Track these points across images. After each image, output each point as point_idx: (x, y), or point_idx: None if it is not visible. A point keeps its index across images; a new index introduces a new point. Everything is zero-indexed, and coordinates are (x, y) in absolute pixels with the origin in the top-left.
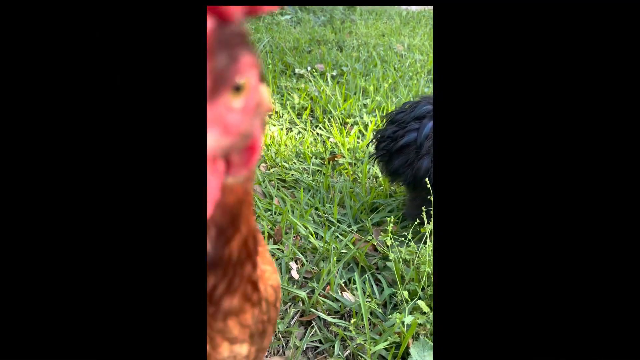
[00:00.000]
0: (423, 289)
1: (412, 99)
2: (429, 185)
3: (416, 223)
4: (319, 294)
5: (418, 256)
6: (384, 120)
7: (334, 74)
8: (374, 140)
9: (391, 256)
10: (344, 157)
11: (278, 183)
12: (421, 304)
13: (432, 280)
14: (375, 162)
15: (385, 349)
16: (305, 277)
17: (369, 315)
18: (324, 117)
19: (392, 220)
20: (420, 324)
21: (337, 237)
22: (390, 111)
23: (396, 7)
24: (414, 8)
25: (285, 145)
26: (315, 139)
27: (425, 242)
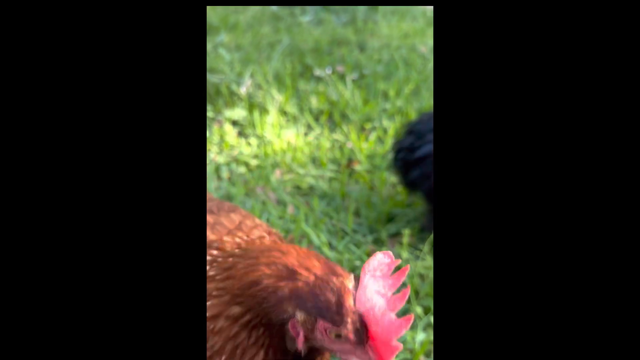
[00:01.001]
0: None
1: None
2: None
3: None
4: None
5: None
6: (403, 131)
7: (354, 77)
8: (392, 150)
9: None
10: (361, 163)
11: (293, 189)
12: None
13: None
14: (394, 172)
15: None
16: None
17: None
18: (342, 122)
19: (408, 232)
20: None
21: (350, 248)
22: (409, 121)
23: (420, 6)
24: None
25: (302, 151)
26: (332, 145)
27: None
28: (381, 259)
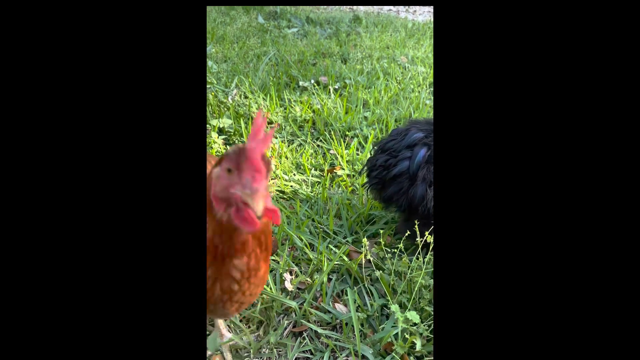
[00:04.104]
0: (415, 300)
1: (412, 112)
2: (428, 212)
3: (407, 234)
4: (310, 305)
5: (410, 268)
6: (373, 149)
7: (337, 86)
8: (365, 168)
9: (377, 273)
10: (343, 168)
11: (277, 194)
12: (411, 315)
13: (423, 292)
14: (369, 189)
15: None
16: (299, 288)
17: (360, 327)
18: (325, 130)
19: (386, 232)
20: (412, 333)
21: (331, 249)
22: (379, 140)
23: (401, 18)
24: (420, 19)
25: (286, 157)
26: (315, 151)
27: (417, 256)
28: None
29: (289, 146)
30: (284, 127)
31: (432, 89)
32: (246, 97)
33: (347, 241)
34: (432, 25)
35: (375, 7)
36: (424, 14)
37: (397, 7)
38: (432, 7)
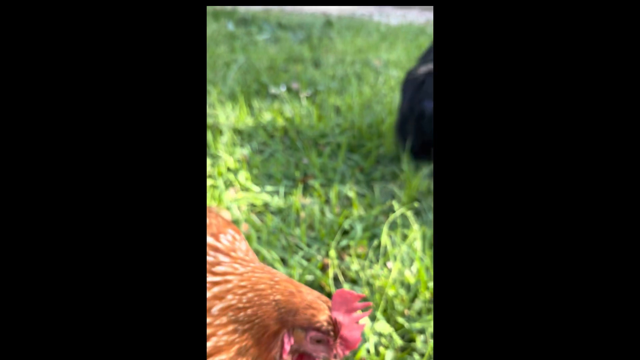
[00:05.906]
0: (386, 310)
1: (385, 117)
2: None
3: (375, 244)
4: None
5: (379, 278)
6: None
7: (309, 94)
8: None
9: (345, 286)
10: (316, 177)
11: (248, 207)
12: (380, 326)
13: (395, 303)
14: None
15: None
16: None
17: None
18: (297, 138)
19: (362, 241)
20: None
21: (303, 263)
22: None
23: (374, 22)
24: (393, 22)
25: (257, 168)
26: (287, 161)
27: (385, 264)
28: (345, 295)
29: (260, 156)
30: (254, 137)
31: None
32: (214, 108)
33: (321, 253)
34: (404, 28)
35: (348, 10)
36: (397, 17)
37: (369, 10)
38: (404, 10)
